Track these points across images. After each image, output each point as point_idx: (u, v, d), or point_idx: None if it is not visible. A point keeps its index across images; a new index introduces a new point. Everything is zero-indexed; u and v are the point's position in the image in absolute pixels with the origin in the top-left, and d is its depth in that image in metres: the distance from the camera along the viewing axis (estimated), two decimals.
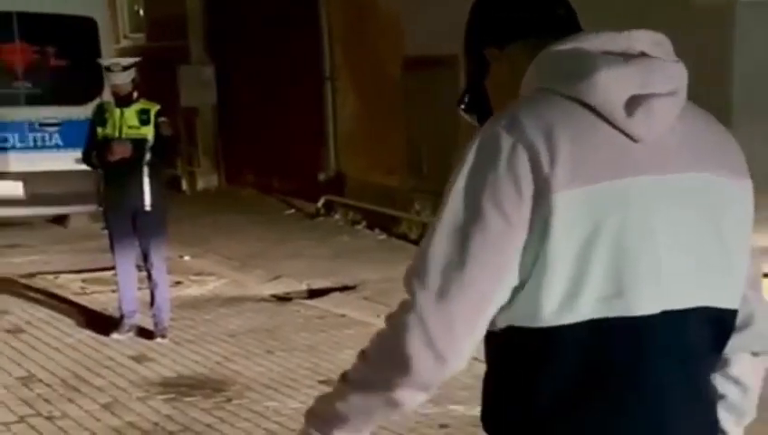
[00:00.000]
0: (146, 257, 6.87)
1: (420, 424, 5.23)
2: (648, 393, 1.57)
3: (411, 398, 1.62)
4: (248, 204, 12.88)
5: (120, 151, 6.64)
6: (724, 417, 1.76)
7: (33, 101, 10.49)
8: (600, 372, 1.56)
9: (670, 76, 1.59)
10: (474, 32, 1.79)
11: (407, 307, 1.58)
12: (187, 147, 14.36)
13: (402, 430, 4.97)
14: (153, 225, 6.83)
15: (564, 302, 1.53)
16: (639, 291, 1.55)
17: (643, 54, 1.60)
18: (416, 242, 10.14)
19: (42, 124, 10.35)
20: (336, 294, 8.23)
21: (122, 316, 6.99)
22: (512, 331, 1.59)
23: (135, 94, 6.85)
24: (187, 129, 14.38)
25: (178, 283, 8.63)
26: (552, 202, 1.51)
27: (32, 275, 8.82)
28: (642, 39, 1.61)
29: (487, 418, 1.68)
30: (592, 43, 1.60)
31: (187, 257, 9.76)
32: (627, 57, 1.58)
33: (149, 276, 6.88)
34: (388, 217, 10.64)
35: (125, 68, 6.83)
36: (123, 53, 13.13)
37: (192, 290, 8.43)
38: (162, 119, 6.85)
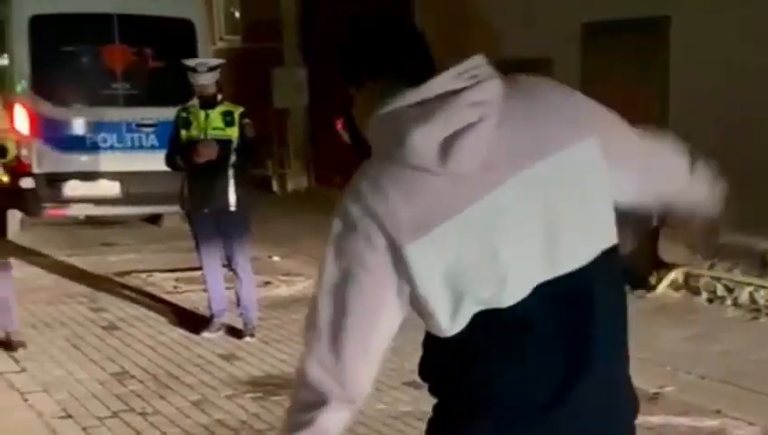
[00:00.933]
0: (231, 257, 6.96)
1: None
2: (534, 363, 1.87)
3: (336, 421, 1.93)
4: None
5: (207, 153, 6.72)
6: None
7: (130, 101, 10.63)
8: (493, 342, 1.87)
9: (474, 103, 1.80)
10: (339, 71, 2.02)
11: (306, 356, 1.91)
12: (278, 148, 14.52)
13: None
14: (237, 225, 6.93)
15: (451, 319, 1.85)
16: (511, 286, 1.83)
17: (448, 93, 1.80)
18: None
19: (139, 125, 10.50)
20: None
21: (212, 315, 7.12)
22: (429, 334, 1.95)
23: (219, 96, 6.93)
24: (278, 130, 14.54)
25: (267, 283, 8.74)
26: (404, 255, 1.80)
27: (126, 274, 9.02)
28: (442, 81, 1.82)
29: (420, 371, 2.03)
30: (405, 99, 1.82)
31: (276, 258, 9.87)
32: (433, 103, 1.80)
33: (236, 276, 6.98)
34: None
35: (210, 69, 6.89)
36: (219, 54, 13.33)
37: (281, 290, 8.53)
38: (246, 120, 6.91)
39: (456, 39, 10.82)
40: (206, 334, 7.00)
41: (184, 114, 6.94)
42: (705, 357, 6.43)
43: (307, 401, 1.92)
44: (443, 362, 1.94)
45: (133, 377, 6.13)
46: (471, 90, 1.82)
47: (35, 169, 10.14)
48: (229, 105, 6.99)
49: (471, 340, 1.87)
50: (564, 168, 1.85)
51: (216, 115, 6.86)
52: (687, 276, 8.15)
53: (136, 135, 10.54)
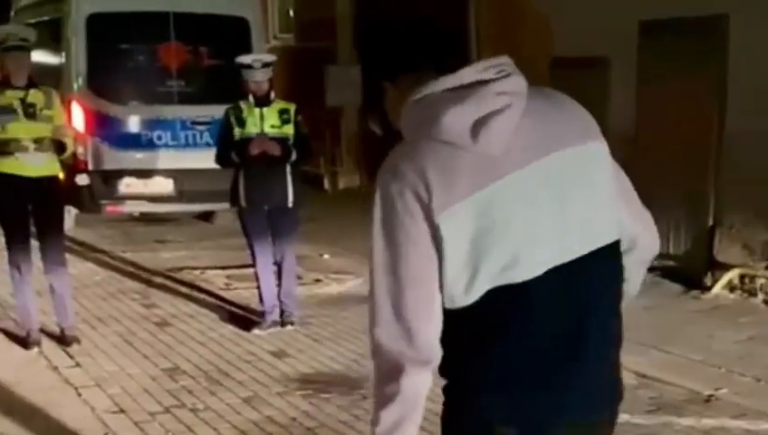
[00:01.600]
0: (281, 252, 7.06)
1: None
2: (538, 341, 2.03)
3: (420, 381, 2.04)
4: None
5: (267, 146, 6.79)
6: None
7: (185, 99, 10.67)
8: (501, 320, 2.02)
9: (501, 92, 2.00)
10: (367, 66, 2.26)
11: (375, 331, 2.04)
12: (331, 146, 14.54)
13: None
14: (291, 221, 7.09)
15: (467, 288, 1.99)
16: (522, 263, 1.99)
17: (480, 82, 2.00)
18: None
19: (193, 122, 10.55)
20: None
21: (264, 313, 7.15)
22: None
23: (272, 94, 6.99)
24: (330, 129, 14.56)
25: (318, 280, 8.76)
26: (437, 222, 1.96)
27: (179, 270, 9.09)
28: (474, 70, 2.03)
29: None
30: (438, 85, 2.02)
31: (326, 256, 9.89)
32: (466, 89, 2.00)
33: (279, 269, 7.08)
34: None
35: (265, 65, 6.94)
36: (272, 52, 13.36)
37: (331, 288, 8.53)
38: (300, 118, 6.99)
39: (512, 38, 10.78)
40: (257, 332, 7.03)
41: (237, 112, 6.96)
42: (760, 359, 6.31)
43: (389, 372, 2.03)
44: (452, 341, 2.06)
45: (184, 373, 6.17)
46: (499, 81, 2.02)
47: (91, 166, 10.24)
48: (283, 103, 7.05)
49: (480, 318, 2.02)
50: (578, 161, 2.06)
51: (271, 113, 6.91)
52: (743, 278, 8.02)
53: (190, 132, 10.60)
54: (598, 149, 2.10)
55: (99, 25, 10.35)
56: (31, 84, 6.51)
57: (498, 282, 1.99)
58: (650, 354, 6.40)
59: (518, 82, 2.04)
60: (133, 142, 10.47)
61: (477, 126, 1.97)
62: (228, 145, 6.97)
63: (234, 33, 10.83)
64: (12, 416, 5.35)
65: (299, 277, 8.96)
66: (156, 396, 5.73)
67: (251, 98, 6.92)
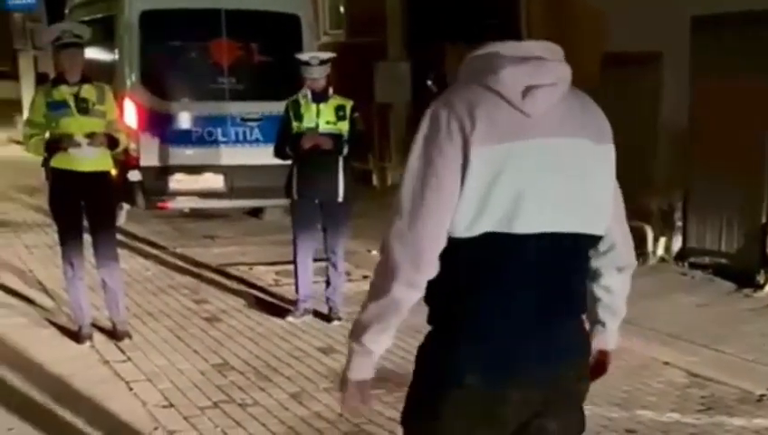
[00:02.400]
0: (331, 248, 7.17)
1: (605, 428, 5.12)
2: (529, 297, 2.35)
3: (406, 296, 2.34)
4: None
5: (319, 141, 6.88)
6: (603, 314, 2.66)
7: (236, 96, 10.72)
8: (492, 266, 2.33)
9: (552, 72, 2.34)
10: (433, 34, 2.63)
11: (390, 233, 2.33)
12: (379, 142, 14.54)
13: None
14: (342, 216, 7.18)
15: (471, 222, 2.29)
16: (523, 218, 2.29)
17: (537, 58, 2.34)
18: None
19: (244, 119, 10.59)
20: None
21: (298, 300, 7.33)
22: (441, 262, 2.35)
23: (330, 90, 7.08)
24: (379, 124, 14.56)
25: (366, 277, 8.74)
26: (469, 154, 2.26)
27: (228, 266, 9.16)
28: (536, 47, 2.37)
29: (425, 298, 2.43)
30: (501, 48, 2.35)
31: (374, 252, 9.88)
32: (525, 59, 2.33)
33: (330, 264, 7.20)
34: None
35: (322, 62, 7.04)
36: (322, 49, 13.32)
37: None
38: (356, 114, 7.07)
39: (564, 32, 10.69)
40: (290, 319, 7.22)
41: (295, 107, 7.09)
42: None
43: (386, 272, 2.34)
44: (445, 289, 2.36)
45: (233, 368, 6.21)
46: (554, 62, 2.36)
47: (143, 163, 10.32)
48: (340, 99, 7.13)
49: (475, 264, 2.33)
50: (592, 154, 2.40)
51: (328, 109, 7.01)
52: None
53: (240, 129, 10.65)
54: (609, 153, 2.45)
55: (151, 23, 10.44)
56: (84, 80, 6.58)
57: (498, 228, 2.29)
58: (702, 353, 6.33)
59: (566, 70, 2.39)
60: (184, 139, 10.54)
61: (527, 90, 2.30)
62: (285, 139, 7.09)
63: (285, 30, 10.87)
64: (64, 409, 5.42)
65: (347, 273, 8.99)
66: (205, 391, 5.77)
67: (309, 93, 7.05)
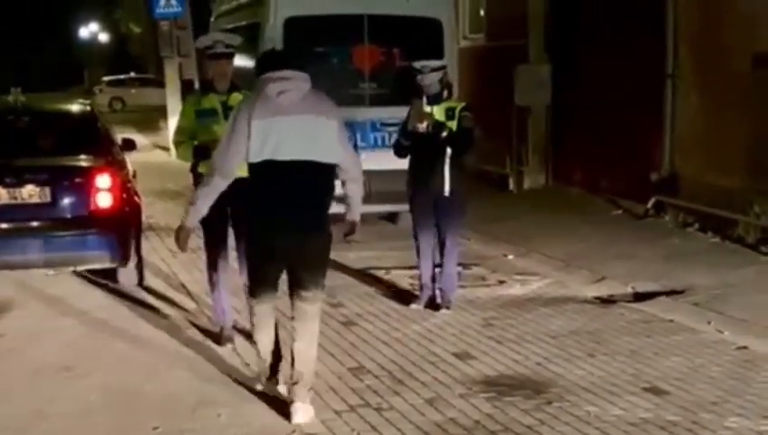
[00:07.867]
0: (443, 241, 7.72)
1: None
2: (285, 193, 5.16)
3: (220, 184, 5.28)
4: (574, 204, 12.71)
5: (424, 117, 7.49)
6: (349, 201, 5.73)
7: (376, 101, 10.81)
8: (270, 182, 5.15)
9: (288, 84, 5.16)
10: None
11: (213, 156, 5.37)
12: (517, 146, 14.43)
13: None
14: (451, 210, 7.68)
15: (256, 153, 5.10)
16: (282, 151, 5.09)
17: (286, 78, 5.19)
18: (752, 246, 9.58)
19: (383, 124, 10.69)
20: (663, 299, 7.95)
21: (421, 287, 7.92)
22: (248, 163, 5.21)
23: (445, 94, 7.67)
24: (518, 128, 14.45)
25: (502, 282, 8.71)
26: (251, 124, 5.08)
27: (364, 270, 9.23)
28: (288, 73, 5.20)
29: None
30: (273, 74, 5.19)
31: (511, 256, 9.82)
32: (279, 79, 5.16)
33: (441, 256, 7.75)
34: (723, 220, 10.12)
35: (433, 70, 7.58)
36: (462, 53, 13.38)
37: (515, 290, 8.47)
38: (466, 113, 7.58)
39: (711, 32, 10.40)
40: (414, 307, 7.80)
41: (412, 109, 7.71)
42: None
43: (210, 173, 5.30)
44: (251, 187, 5.19)
45: (369, 372, 6.25)
46: (297, 80, 5.32)
47: None
48: (453, 102, 7.75)
49: (262, 175, 5.12)
50: (315, 120, 5.17)
51: (439, 110, 7.62)
52: None
53: (379, 134, 10.73)
54: (328, 120, 5.21)
55: (295, 29, 10.55)
56: (233, 88, 6.76)
57: (270, 156, 5.07)
58: None
59: (302, 82, 5.21)
60: None
61: (280, 93, 5.10)
62: (402, 135, 7.78)
63: (426, 35, 10.86)
64: (208, 410, 5.55)
65: (482, 278, 8.94)
66: (341, 394, 5.82)
67: (424, 98, 7.65)
